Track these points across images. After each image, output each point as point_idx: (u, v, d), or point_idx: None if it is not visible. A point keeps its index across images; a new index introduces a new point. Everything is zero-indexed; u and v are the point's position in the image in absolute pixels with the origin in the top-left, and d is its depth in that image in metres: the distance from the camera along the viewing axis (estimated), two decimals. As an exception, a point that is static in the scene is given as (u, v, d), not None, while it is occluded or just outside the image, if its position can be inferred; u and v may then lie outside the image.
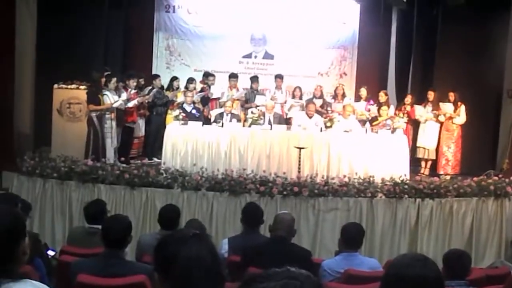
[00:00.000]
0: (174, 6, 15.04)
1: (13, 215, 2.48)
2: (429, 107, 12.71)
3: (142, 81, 12.77)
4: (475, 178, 10.44)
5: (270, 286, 1.50)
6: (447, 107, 12.43)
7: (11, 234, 2.38)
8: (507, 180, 10.37)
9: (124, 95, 11.70)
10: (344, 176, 10.09)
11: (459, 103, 12.45)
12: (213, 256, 2.27)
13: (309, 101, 12.57)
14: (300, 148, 10.67)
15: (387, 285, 2.43)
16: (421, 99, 13.03)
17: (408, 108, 12.73)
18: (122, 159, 11.01)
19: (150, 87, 12.72)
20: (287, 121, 12.46)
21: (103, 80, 11.52)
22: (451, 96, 12.50)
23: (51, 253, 6.56)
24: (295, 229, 5.68)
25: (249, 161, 10.92)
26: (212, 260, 2.24)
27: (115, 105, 11.37)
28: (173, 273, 2.24)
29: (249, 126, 11.61)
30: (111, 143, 11.38)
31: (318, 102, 12.91)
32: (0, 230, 2.35)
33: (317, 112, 12.35)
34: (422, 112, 12.66)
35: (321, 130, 11.62)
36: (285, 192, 9.46)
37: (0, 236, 2.33)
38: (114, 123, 11.48)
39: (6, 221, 2.39)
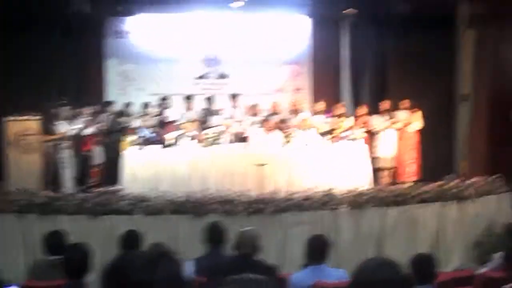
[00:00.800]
0: (124, 32, 14.93)
1: None
2: (385, 116, 12.82)
3: (96, 108, 12.62)
4: (436, 183, 10.50)
5: None
6: (401, 115, 12.55)
7: None
8: (467, 182, 10.48)
9: (78, 124, 11.54)
10: (307, 190, 10.06)
11: (413, 110, 12.58)
12: (177, 277, 2.19)
13: (267, 118, 12.55)
14: (261, 165, 10.64)
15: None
16: (377, 109, 13.13)
17: (365, 118, 12.79)
18: (81, 188, 10.83)
19: (105, 114, 12.57)
20: (246, 139, 12.41)
21: (56, 109, 11.35)
22: (405, 103, 12.63)
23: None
24: (260, 245, 5.60)
25: (211, 181, 10.84)
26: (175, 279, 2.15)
27: (70, 134, 11.20)
28: None
29: (209, 147, 11.54)
30: (68, 173, 11.19)
31: (276, 118, 12.91)
32: None
33: (276, 128, 12.34)
34: (379, 121, 12.76)
35: (280, 146, 11.61)
36: (249, 210, 9.38)
37: None
38: (70, 152, 11.30)
39: None
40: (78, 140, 11.72)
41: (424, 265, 4.72)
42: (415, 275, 4.53)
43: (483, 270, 6.26)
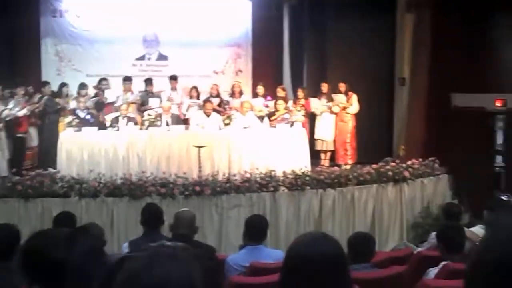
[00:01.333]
0: (61, 11, 14.57)
1: None
2: (324, 99, 12.86)
3: (30, 89, 12.28)
4: (373, 165, 10.63)
5: (139, 255, 1.38)
6: (339, 98, 12.61)
7: None
8: (404, 165, 10.64)
9: (11, 104, 11.19)
10: (246, 172, 10.03)
11: (350, 93, 12.66)
12: (92, 253, 2.08)
13: (206, 100, 12.43)
14: (199, 147, 10.55)
15: (289, 267, 2.32)
16: (316, 92, 13.17)
17: (303, 101, 12.80)
18: (14, 170, 10.51)
19: (39, 95, 12.23)
20: (185, 122, 12.28)
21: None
22: (342, 87, 12.68)
23: None
24: (197, 226, 5.53)
25: (148, 164, 10.70)
26: (93, 257, 2.05)
27: (3, 115, 10.87)
28: (47, 279, 2.03)
29: (146, 129, 11.38)
30: (1, 155, 10.86)
31: (215, 101, 12.81)
32: None
33: (215, 110, 12.25)
34: (317, 104, 12.80)
35: (219, 128, 11.55)
36: (186, 192, 9.30)
37: None
38: (3, 134, 10.96)
39: None
40: (12, 122, 11.37)
41: (361, 243, 4.72)
42: (351, 253, 4.53)
43: (419, 249, 6.34)
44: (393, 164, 10.73)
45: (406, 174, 10.40)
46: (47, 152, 12.15)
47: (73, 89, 12.82)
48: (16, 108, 11.28)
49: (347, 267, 2.34)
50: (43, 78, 13.83)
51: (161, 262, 1.33)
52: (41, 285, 2.09)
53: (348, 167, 11.88)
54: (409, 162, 10.78)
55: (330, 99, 12.73)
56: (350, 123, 12.76)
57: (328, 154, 13.00)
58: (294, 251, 2.30)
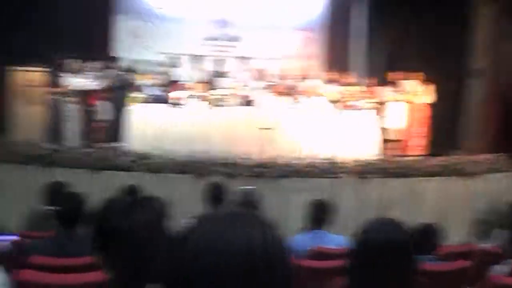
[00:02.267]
0: (136, -12, 14.71)
1: None
2: (396, 88, 12.63)
3: (103, 63, 12.46)
4: (442, 158, 10.41)
5: (210, 220, 1.32)
6: (412, 87, 12.36)
7: None
8: (472, 159, 10.38)
9: (84, 78, 11.40)
10: (311, 157, 9.96)
11: (425, 83, 12.39)
12: (159, 221, 2.07)
13: (276, 83, 12.38)
14: (265, 129, 10.52)
15: (356, 252, 2.27)
16: (387, 80, 12.94)
17: (374, 88, 12.60)
18: (84, 142, 10.72)
19: (111, 70, 12.42)
20: (253, 103, 12.26)
21: (63, 62, 11.19)
22: (418, 76, 12.43)
23: (11, 238, 6.31)
24: (261, 204, 5.53)
25: (213, 143, 10.73)
26: (158, 226, 2.04)
27: (75, 87, 11.07)
28: (115, 246, 2.03)
29: (214, 108, 11.42)
30: (71, 127, 11.08)
31: (285, 84, 12.73)
32: None
33: (283, 93, 12.17)
34: (388, 92, 12.57)
35: (287, 112, 11.49)
36: (249, 174, 9.30)
37: None
38: (75, 106, 11.18)
39: None
40: (84, 94, 11.58)
41: (426, 235, 4.60)
42: (417, 244, 4.42)
43: (483, 245, 6.17)
44: (462, 157, 10.48)
45: (474, 168, 10.15)
46: (116, 126, 12.34)
47: (144, 66, 12.95)
48: (88, 82, 11.47)
49: (413, 256, 2.27)
50: (116, 54, 14.04)
51: (237, 225, 1.27)
52: (104, 252, 2.09)
53: (416, 157, 11.66)
54: (477, 157, 10.51)
55: (402, 88, 12.50)
56: (423, 113, 12.50)
57: (397, 143, 12.76)
58: (362, 237, 2.25)
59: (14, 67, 11.54)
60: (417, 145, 12.55)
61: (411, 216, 9.60)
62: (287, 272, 1.28)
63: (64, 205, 4.46)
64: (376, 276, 2.18)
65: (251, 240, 1.23)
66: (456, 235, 9.75)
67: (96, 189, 9.12)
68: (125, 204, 2.19)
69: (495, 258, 4.94)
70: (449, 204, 9.94)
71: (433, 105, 12.58)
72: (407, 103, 12.58)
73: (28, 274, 3.80)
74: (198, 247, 1.22)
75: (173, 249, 1.28)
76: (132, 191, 6.29)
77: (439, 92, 12.62)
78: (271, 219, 1.34)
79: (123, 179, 9.09)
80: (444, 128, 13.11)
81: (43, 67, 11.45)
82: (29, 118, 11.39)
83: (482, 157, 10.51)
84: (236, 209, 1.39)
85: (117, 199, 3.38)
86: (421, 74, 12.41)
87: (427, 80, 12.41)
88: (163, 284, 1.28)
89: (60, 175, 9.22)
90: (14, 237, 6.18)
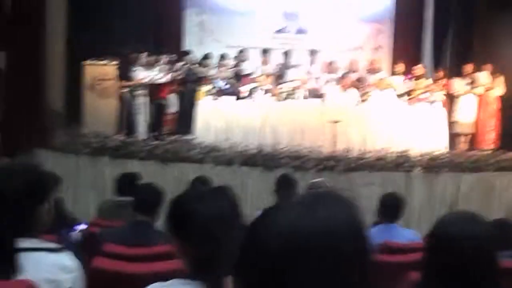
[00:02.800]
0: (205, -18, 14.82)
1: (41, 172, 2.41)
2: (467, 80, 12.35)
3: (173, 57, 12.60)
4: (515, 152, 10.14)
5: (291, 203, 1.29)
6: (483, 78, 12.06)
7: (36, 189, 2.28)
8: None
9: (155, 71, 11.57)
10: (380, 150, 9.85)
11: (497, 74, 12.07)
12: (234, 209, 2.08)
13: (344, 76, 12.29)
14: (334, 122, 10.45)
15: (433, 246, 2.22)
16: (458, 73, 12.68)
17: (444, 81, 12.35)
18: (154, 134, 10.88)
19: (182, 63, 12.56)
20: (321, 96, 12.20)
21: (134, 56, 11.38)
22: (488, 67, 12.13)
23: (82, 227, 6.47)
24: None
25: (283, 136, 10.74)
26: (233, 213, 2.05)
27: (146, 80, 11.26)
28: (190, 234, 2.05)
29: (283, 101, 11.42)
30: (142, 119, 11.27)
31: (353, 76, 12.62)
32: (30, 181, 2.26)
33: (352, 86, 12.08)
34: (459, 85, 12.30)
35: (356, 104, 11.39)
36: (319, 166, 9.27)
37: (27, 188, 2.22)
38: (145, 99, 11.36)
39: (33, 176, 2.29)
40: (154, 88, 11.76)
41: (504, 230, 4.47)
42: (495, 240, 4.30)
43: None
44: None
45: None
46: (186, 119, 12.49)
47: (213, 59, 13.05)
48: (159, 75, 11.64)
49: (496, 252, 2.21)
50: (185, 47, 14.18)
51: (323, 205, 1.24)
52: (177, 238, 2.12)
53: (488, 152, 11.38)
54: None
55: (473, 80, 12.21)
56: (494, 106, 12.19)
57: (468, 137, 12.49)
58: (440, 230, 2.20)
59: (87, 61, 11.78)
60: (488, 139, 12.25)
61: (485, 212, 9.42)
62: (368, 254, 1.25)
63: (141, 195, 4.54)
64: (455, 272, 2.12)
65: (332, 220, 1.21)
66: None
67: (167, 180, 9.30)
68: (200, 191, 2.21)
69: None
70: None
71: (506, 98, 12.25)
72: (478, 95, 12.29)
73: (102, 262, 3.87)
74: (281, 229, 1.20)
75: (251, 236, 1.26)
76: (203, 182, 6.35)
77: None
78: (351, 199, 1.31)
79: (193, 171, 9.20)
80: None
81: (116, 61, 11.65)
82: (102, 111, 11.62)
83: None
84: (317, 192, 1.37)
85: (191, 188, 3.41)
86: (491, 65, 12.09)
87: (498, 71, 12.09)
88: (241, 271, 1.26)
89: (131, 167, 9.42)
90: (85, 226, 6.34)
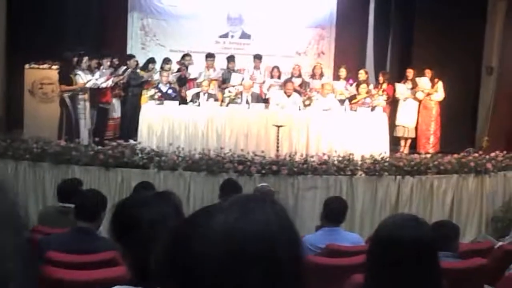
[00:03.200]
0: (148, -15, 14.72)
1: None
2: (408, 85, 12.60)
3: (116, 61, 12.48)
4: (455, 155, 10.36)
5: (225, 205, 1.26)
6: (423, 83, 12.32)
7: None
8: (487, 156, 10.32)
9: (97, 75, 11.42)
10: (324, 154, 9.95)
11: (436, 80, 12.36)
12: (178, 214, 2.08)
13: (288, 80, 12.37)
14: (278, 127, 10.51)
15: (376, 249, 2.25)
16: (399, 78, 12.93)
17: (385, 86, 12.57)
18: (97, 139, 10.73)
19: (124, 67, 12.44)
20: (265, 101, 12.27)
21: (75, 59, 11.21)
22: (428, 73, 12.41)
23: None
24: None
25: (227, 141, 10.74)
26: (177, 218, 2.04)
27: (88, 85, 11.12)
28: (135, 239, 2.03)
29: (227, 106, 11.43)
30: (84, 124, 11.11)
31: (297, 81, 12.75)
32: None
33: (296, 91, 12.18)
34: (402, 89, 12.53)
35: (299, 109, 11.49)
36: (263, 171, 9.30)
37: None
38: (87, 104, 11.21)
39: None
40: (97, 92, 11.61)
41: (445, 232, 4.56)
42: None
43: (501, 243, 6.15)
44: (476, 155, 10.43)
45: (489, 166, 10.07)
46: (129, 124, 12.39)
47: (157, 63, 12.98)
48: (101, 79, 11.50)
49: (438, 254, 2.26)
50: (129, 52, 14.07)
51: (258, 209, 1.22)
52: (122, 244, 2.10)
53: (428, 155, 11.62)
54: (492, 154, 10.44)
55: (415, 85, 12.46)
56: (434, 110, 12.47)
57: (409, 141, 12.74)
58: (383, 233, 2.24)
59: (29, 65, 11.55)
60: (429, 143, 12.52)
61: (425, 213, 9.62)
62: (302, 258, 1.24)
63: (83, 201, 4.47)
64: (398, 274, 2.16)
65: (268, 224, 1.19)
66: (470, 234, 9.73)
67: (110, 186, 9.20)
68: (144, 196, 2.20)
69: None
70: (463, 202, 9.91)
71: (446, 103, 12.53)
72: (418, 100, 12.54)
73: (44, 269, 3.80)
74: (215, 233, 1.17)
75: (181, 239, 1.21)
76: (146, 187, 6.30)
77: (453, 89, 12.58)
78: (281, 201, 1.30)
79: (136, 177, 9.12)
80: (457, 126, 13.08)
81: (57, 65, 11.46)
82: (43, 116, 11.43)
83: (496, 154, 10.42)
84: (247, 194, 1.35)
85: (135, 193, 3.38)
86: (430, 71, 12.37)
87: (437, 77, 12.37)
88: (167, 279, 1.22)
89: (72, 172, 9.28)
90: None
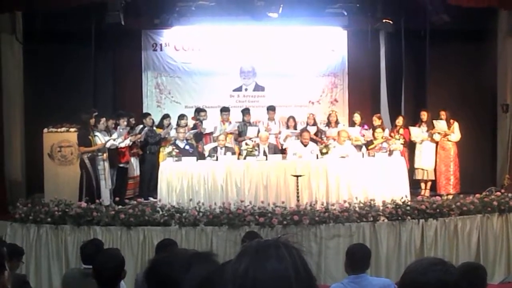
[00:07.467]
0: (161, 44, 14.92)
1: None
2: (423, 127, 12.59)
3: (132, 120, 12.60)
4: (477, 195, 10.29)
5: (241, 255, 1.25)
6: (440, 125, 12.30)
7: None
8: (510, 195, 10.24)
9: (115, 135, 11.53)
10: (345, 202, 9.92)
11: (451, 121, 12.34)
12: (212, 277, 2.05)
13: (303, 130, 12.41)
14: (297, 176, 10.49)
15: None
16: (414, 121, 12.94)
17: (401, 130, 12.57)
18: (117, 199, 10.77)
19: (141, 126, 12.57)
20: (283, 151, 12.28)
21: (93, 121, 11.33)
22: (443, 114, 12.41)
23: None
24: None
25: (247, 193, 10.73)
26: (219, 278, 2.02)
27: (107, 145, 11.20)
28: None
29: (244, 158, 11.45)
30: (105, 185, 11.15)
31: (312, 130, 12.78)
32: None
33: (312, 140, 12.20)
34: (417, 132, 12.52)
35: (317, 157, 11.48)
36: (285, 222, 9.28)
37: None
38: (107, 164, 11.27)
39: None
40: (115, 152, 11.69)
41: (474, 274, 4.49)
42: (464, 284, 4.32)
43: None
44: (498, 193, 10.36)
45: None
46: (148, 182, 12.45)
47: (173, 121, 13.09)
48: (119, 139, 11.60)
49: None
50: (144, 110, 14.21)
51: (270, 255, 1.22)
52: None
53: (450, 197, 11.53)
54: (514, 192, 10.37)
55: (430, 127, 12.45)
56: (452, 151, 12.41)
57: (429, 183, 12.67)
58: (410, 277, 2.22)
59: (47, 129, 11.68)
60: (449, 184, 12.43)
61: (452, 256, 9.51)
62: None
63: (103, 264, 4.44)
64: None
65: (285, 269, 1.19)
66: (499, 274, 9.58)
67: (132, 245, 9.21)
68: (185, 257, 2.17)
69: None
70: (489, 242, 9.80)
71: (464, 143, 12.49)
72: (435, 142, 12.51)
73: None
74: (233, 278, 1.17)
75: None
76: (168, 245, 6.26)
77: (470, 129, 12.55)
78: (297, 245, 1.29)
79: (159, 234, 9.13)
80: (477, 165, 13.01)
81: (74, 127, 11.58)
82: (62, 178, 11.49)
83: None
84: (267, 240, 1.35)
85: (179, 251, 3.36)
86: (445, 112, 12.37)
87: (453, 118, 12.36)
88: None
89: (93, 233, 9.31)
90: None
